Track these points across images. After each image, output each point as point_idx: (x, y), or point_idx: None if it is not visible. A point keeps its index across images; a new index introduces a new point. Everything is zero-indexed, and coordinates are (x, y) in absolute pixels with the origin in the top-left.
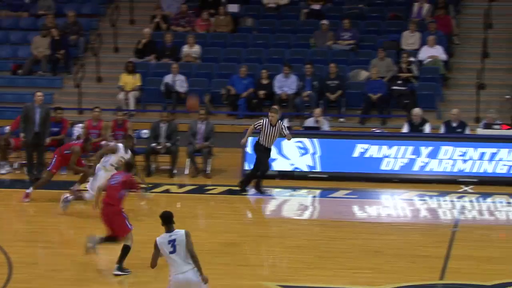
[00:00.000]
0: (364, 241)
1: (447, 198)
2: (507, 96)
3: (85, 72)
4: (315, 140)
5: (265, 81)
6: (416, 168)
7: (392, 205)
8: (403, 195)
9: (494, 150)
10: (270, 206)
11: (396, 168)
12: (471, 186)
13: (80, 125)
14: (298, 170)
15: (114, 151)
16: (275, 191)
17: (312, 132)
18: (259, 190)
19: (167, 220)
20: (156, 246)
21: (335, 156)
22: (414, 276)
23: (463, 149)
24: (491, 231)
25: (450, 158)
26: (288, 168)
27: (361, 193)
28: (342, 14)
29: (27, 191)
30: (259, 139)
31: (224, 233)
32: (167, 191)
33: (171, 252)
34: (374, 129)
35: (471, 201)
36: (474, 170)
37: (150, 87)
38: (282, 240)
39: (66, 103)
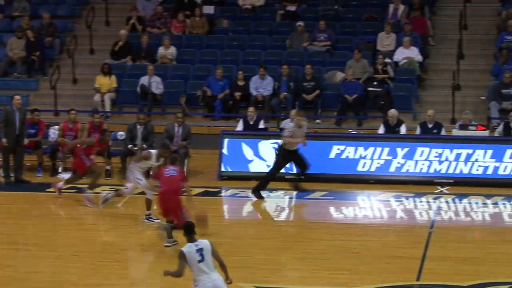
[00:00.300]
0: (341, 242)
1: (423, 199)
2: (482, 97)
3: (61, 73)
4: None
5: (241, 83)
6: (392, 169)
7: (369, 206)
8: (379, 196)
9: (469, 151)
10: (247, 208)
11: (372, 169)
12: (447, 187)
13: (56, 127)
14: None
15: (147, 158)
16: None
17: None
18: (301, 189)
19: (190, 230)
20: (183, 256)
21: (311, 157)
22: (390, 277)
23: (439, 150)
24: (467, 232)
25: (426, 159)
26: (265, 169)
27: (338, 194)
28: (317, 15)
29: (86, 195)
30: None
31: (201, 234)
32: (143, 192)
33: (199, 261)
34: (350, 131)
35: (447, 202)
36: (450, 171)
37: (126, 89)
38: (259, 241)
39: (41, 105)
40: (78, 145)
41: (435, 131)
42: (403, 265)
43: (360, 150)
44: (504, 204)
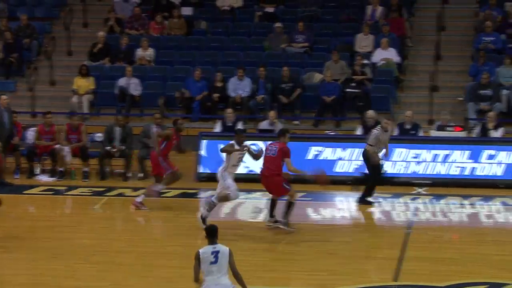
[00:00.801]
0: (319, 243)
1: (401, 200)
2: (460, 98)
3: (39, 75)
4: (269, 142)
5: (219, 84)
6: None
7: (346, 207)
8: (357, 197)
9: (447, 152)
10: (225, 209)
11: (351, 170)
12: (425, 188)
13: (33, 129)
14: (252, 173)
15: (230, 151)
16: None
17: (267, 135)
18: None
19: (212, 234)
20: (197, 258)
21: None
22: (368, 277)
23: (417, 151)
24: (444, 233)
25: (404, 160)
26: (243, 171)
27: (316, 195)
28: (296, 16)
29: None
30: (370, 148)
31: (179, 236)
32: (121, 194)
33: (212, 263)
34: (327, 132)
35: (424, 202)
36: (428, 172)
37: (104, 91)
38: (236, 243)
39: (19, 107)
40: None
41: (413, 132)
42: (381, 265)
43: (338, 151)
44: (481, 204)
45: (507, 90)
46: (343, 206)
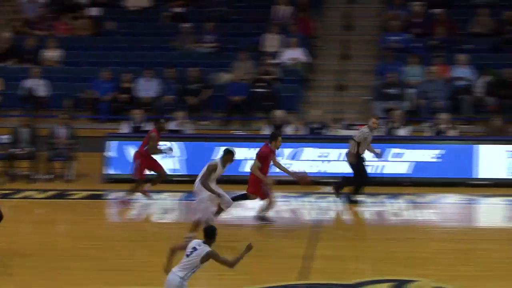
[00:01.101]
0: (227, 243)
1: (309, 198)
2: (367, 97)
3: None
4: (178, 143)
5: (127, 85)
6: (278, 169)
7: (254, 206)
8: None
9: None
10: (134, 210)
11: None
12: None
13: None
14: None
15: (215, 168)
16: (138, 194)
17: (175, 136)
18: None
19: (207, 234)
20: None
21: (198, 158)
22: (276, 276)
23: (325, 150)
24: (352, 231)
25: (312, 159)
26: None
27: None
28: (204, 16)
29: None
30: (358, 149)
31: (88, 238)
32: (28, 197)
33: (186, 255)
34: (235, 132)
35: (332, 201)
36: (336, 171)
37: (10, 92)
38: (146, 244)
39: None
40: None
41: (320, 131)
42: (289, 264)
43: (246, 151)
44: (387, 202)
45: (413, 89)
46: (251, 205)
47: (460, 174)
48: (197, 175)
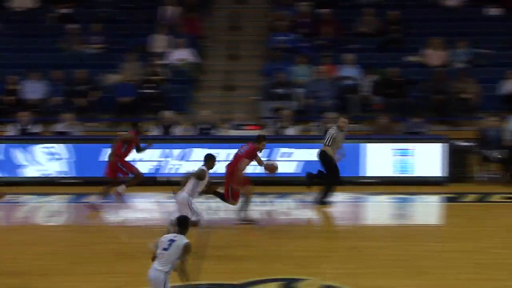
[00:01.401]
0: (117, 245)
1: (200, 199)
2: (255, 98)
3: None
4: (66, 145)
5: (13, 87)
6: (167, 170)
7: (145, 207)
8: (156, 197)
9: None
10: (21, 213)
11: (148, 171)
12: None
13: None
14: (48, 175)
15: (203, 176)
16: (25, 197)
17: (63, 138)
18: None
19: (180, 224)
20: (157, 242)
21: (86, 160)
22: None
23: (214, 151)
24: (239, 231)
25: (201, 160)
26: (37, 174)
27: (113, 197)
28: (91, 17)
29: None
30: (327, 148)
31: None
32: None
33: (164, 249)
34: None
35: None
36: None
37: None
38: (34, 247)
39: None
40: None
41: (210, 131)
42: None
43: (134, 152)
44: (276, 202)
45: (301, 89)
46: (142, 206)
47: (348, 172)
48: (86, 177)
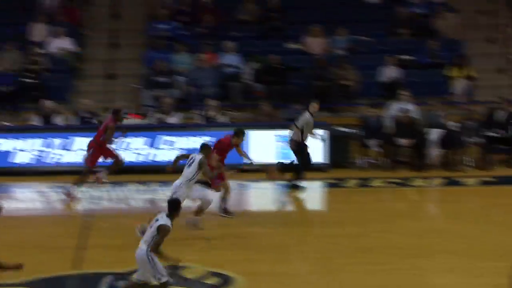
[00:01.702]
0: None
1: (82, 188)
2: (136, 86)
3: None
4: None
5: None
6: (49, 160)
7: (27, 197)
8: (37, 187)
9: (127, 139)
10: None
11: (29, 161)
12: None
13: None
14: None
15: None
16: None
17: None
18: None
19: (171, 206)
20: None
21: None
22: (47, 267)
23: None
24: (125, 219)
25: (83, 149)
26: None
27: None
28: None
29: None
30: (301, 135)
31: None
32: None
33: (150, 226)
34: (3, 123)
35: (104, 190)
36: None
37: None
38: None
39: None
40: None
41: (91, 120)
42: (61, 255)
43: (15, 142)
44: (160, 190)
45: (182, 77)
46: (23, 196)
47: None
48: None
